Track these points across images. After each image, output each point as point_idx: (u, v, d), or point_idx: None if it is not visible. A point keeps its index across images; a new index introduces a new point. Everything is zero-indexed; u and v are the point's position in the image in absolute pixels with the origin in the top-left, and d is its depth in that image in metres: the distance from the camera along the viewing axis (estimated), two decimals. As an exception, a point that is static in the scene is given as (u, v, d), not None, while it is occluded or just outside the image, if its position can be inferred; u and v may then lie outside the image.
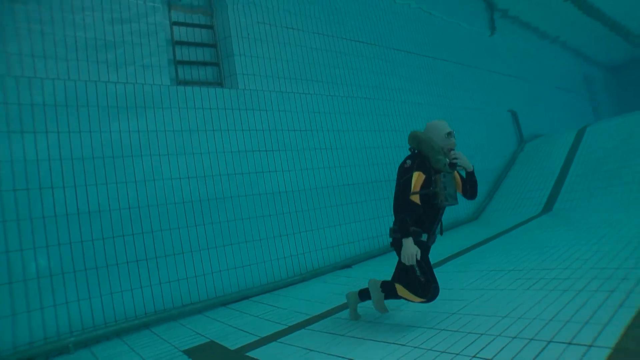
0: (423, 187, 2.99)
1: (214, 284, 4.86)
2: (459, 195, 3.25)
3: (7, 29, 4.14)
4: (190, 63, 5.56)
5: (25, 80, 4.10)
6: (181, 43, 5.52)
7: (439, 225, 3.20)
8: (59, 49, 4.41)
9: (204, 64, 5.67)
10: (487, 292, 3.57)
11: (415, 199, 2.98)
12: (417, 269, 2.96)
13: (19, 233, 3.82)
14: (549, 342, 2.37)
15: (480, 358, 2.35)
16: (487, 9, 10.88)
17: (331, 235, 6.04)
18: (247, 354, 3.23)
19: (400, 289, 3.10)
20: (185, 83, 5.42)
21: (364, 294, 3.46)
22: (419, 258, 2.85)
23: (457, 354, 2.47)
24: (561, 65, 14.91)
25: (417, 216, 3.00)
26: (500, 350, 2.38)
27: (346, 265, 5.92)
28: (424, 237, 3.06)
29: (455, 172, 3.21)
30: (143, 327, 4.32)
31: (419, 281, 2.95)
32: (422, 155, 3.04)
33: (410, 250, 2.81)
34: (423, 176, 2.99)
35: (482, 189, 8.79)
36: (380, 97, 7.48)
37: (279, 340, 3.40)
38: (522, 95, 11.75)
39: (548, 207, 7.27)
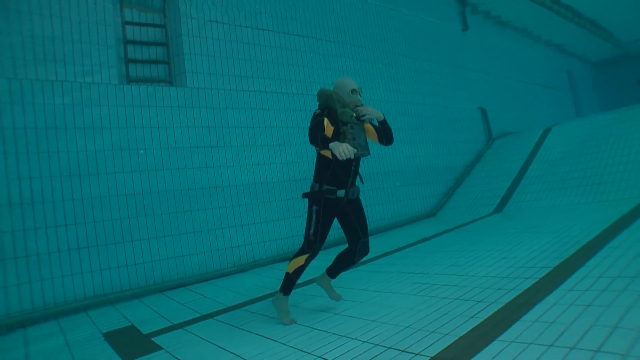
0: (333, 138, 3.10)
1: (153, 271, 5.21)
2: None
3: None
4: (141, 62, 5.82)
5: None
6: (133, 42, 5.78)
7: (357, 177, 3.39)
8: (4, 48, 4.71)
9: (155, 62, 5.92)
10: (381, 294, 3.81)
11: (327, 153, 3.18)
12: (311, 227, 3.25)
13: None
14: (389, 348, 2.62)
15: (323, 358, 2.64)
16: (459, 4, 10.85)
17: (273, 229, 6.30)
18: (152, 338, 3.55)
19: (292, 262, 3.34)
20: (137, 81, 5.69)
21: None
22: (351, 154, 2.79)
23: (308, 353, 2.76)
24: (543, 61, 14.80)
25: (330, 171, 3.22)
26: (344, 353, 2.66)
27: (286, 258, 6.21)
28: (341, 193, 3.25)
29: (369, 123, 3.38)
30: (81, 309, 4.70)
31: (308, 238, 3.26)
32: (329, 109, 3.22)
33: (341, 146, 2.79)
34: (332, 127, 3.17)
35: (443, 186, 9.02)
36: None
37: (185, 328, 3.71)
38: (496, 93, 11.76)
39: (500, 207, 7.45)
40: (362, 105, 3.30)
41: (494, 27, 12.48)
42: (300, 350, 2.80)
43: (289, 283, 3.40)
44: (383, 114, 3.34)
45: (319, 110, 3.21)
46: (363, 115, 3.24)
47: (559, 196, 6.82)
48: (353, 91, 3.27)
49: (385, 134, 3.37)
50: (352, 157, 2.81)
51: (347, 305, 3.67)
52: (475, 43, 11.49)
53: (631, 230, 4.47)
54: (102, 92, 5.12)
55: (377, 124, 3.37)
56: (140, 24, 5.81)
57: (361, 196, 7.00)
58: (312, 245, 3.27)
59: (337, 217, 3.43)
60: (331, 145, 2.86)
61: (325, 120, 3.16)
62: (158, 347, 3.30)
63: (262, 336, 3.20)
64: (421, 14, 9.78)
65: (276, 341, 3.05)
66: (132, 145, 5.26)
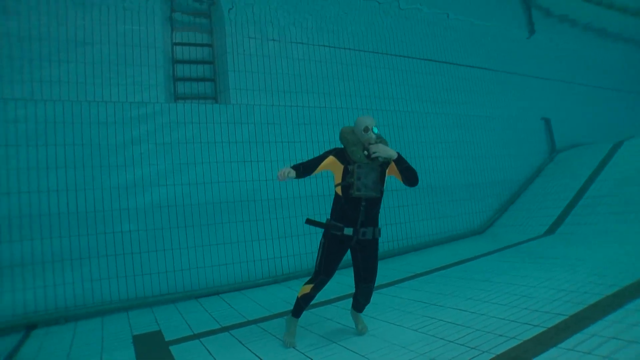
0: (343, 178, 3.26)
1: (191, 279, 5.62)
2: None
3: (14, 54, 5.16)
4: (189, 80, 6.26)
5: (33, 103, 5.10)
6: (181, 62, 6.23)
7: (374, 222, 3.35)
8: (70, 75, 5.35)
9: (202, 79, 6.33)
10: (385, 325, 3.79)
11: (338, 190, 3.31)
12: (317, 258, 3.36)
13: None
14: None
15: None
16: (524, 8, 10.08)
17: (307, 243, 6.40)
18: (170, 347, 3.89)
19: (301, 289, 3.44)
20: (184, 98, 6.14)
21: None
22: (287, 175, 3.11)
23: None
24: (620, 62, 13.05)
25: (340, 207, 3.29)
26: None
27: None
28: (348, 231, 3.24)
29: (392, 163, 3.32)
30: (123, 310, 5.20)
31: (315, 269, 3.38)
32: (344, 149, 3.34)
33: (282, 169, 3.12)
34: (341, 166, 3.27)
35: (496, 201, 8.58)
36: (383, 108, 7.59)
37: (201, 339, 4.00)
38: (564, 100, 10.82)
39: (553, 228, 6.91)
40: (374, 143, 3.25)
41: (562, 27, 11.42)
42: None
43: (298, 308, 3.53)
44: (397, 153, 3.25)
45: (331, 149, 3.38)
46: (374, 153, 3.18)
47: (618, 221, 6.18)
48: (365, 129, 3.25)
49: (405, 174, 3.29)
50: (285, 180, 3.09)
51: (349, 335, 3.71)
52: (540, 48, 10.68)
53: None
54: (149, 110, 5.62)
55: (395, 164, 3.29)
56: (188, 44, 6.25)
57: (405, 210, 7.18)
58: (317, 276, 3.36)
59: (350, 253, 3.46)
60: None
61: (331, 158, 3.30)
62: (170, 358, 3.63)
63: (257, 356, 3.38)
64: (479, 20, 9.32)
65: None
66: (175, 160, 5.70)
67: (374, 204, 3.31)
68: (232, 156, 6.06)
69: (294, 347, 3.51)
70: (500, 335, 3.21)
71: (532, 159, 9.49)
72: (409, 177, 3.28)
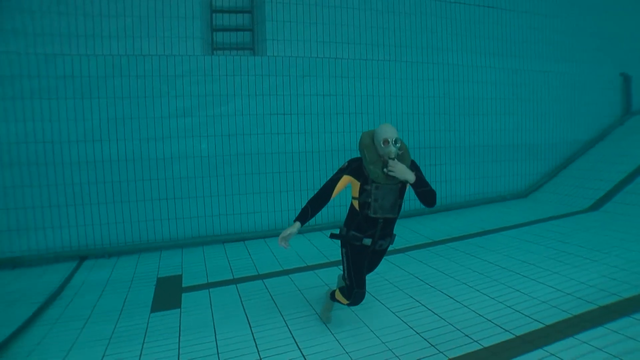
0: (360, 194, 3.05)
1: (221, 224, 6.13)
2: None
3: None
4: (227, 30, 6.29)
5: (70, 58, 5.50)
6: (220, 11, 6.22)
7: (390, 233, 3.23)
8: (103, 29, 5.63)
9: (240, 29, 6.32)
10: (371, 302, 3.94)
11: (355, 204, 3.13)
12: (345, 270, 3.22)
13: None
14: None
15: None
16: None
17: (338, 196, 6.54)
18: (183, 294, 4.43)
19: (337, 293, 3.41)
20: (222, 48, 6.22)
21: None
22: (285, 244, 2.93)
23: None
24: None
25: (357, 221, 3.13)
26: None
27: (345, 224, 6.57)
28: (367, 241, 3.14)
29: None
30: (157, 249, 5.86)
31: (345, 284, 3.25)
32: (361, 165, 3.06)
33: (283, 237, 2.91)
34: (357, 183, 3.05)
35: (546, 165, 8.00)
36: (430, 61, 7.13)
37: (211, 289, 4.50)
38: None
39: (599, 203, 6.35)
40: (394, 160, 2.92)
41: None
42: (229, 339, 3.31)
43: (333, 299, 3.60)
44: (414, 178, 2.95)
45: (347, 164, 3.11)
46: (390, 171, 2.90)
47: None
48: (385, 142, 2.92)
49: (421, 197, 3.05)
50: (284, 246, 2.89)
51: (336, 312, 3.84)
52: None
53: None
54: (185, 63, 5.82)
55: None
56: (226, -7, 6.20)
57: (442, 169, 7.03)
58: (351, 291, 3.18)
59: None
60: (294, 222, 2.94)
61: (346, 177, 3.06)
62: (178, 305, 4.13)
63: (247, 318, 3.76)
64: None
65: (251, 328, 3.58)
66: (209, 112, 5.96)
67: (392, 221, 3.17)
68: (266, 109, 6.20)
69: (329, 321, 3.64)
70: (466, 336, 3.25)
71: (599, 120, 8.55)
72: (427, 200, 3.05)
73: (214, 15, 6.24)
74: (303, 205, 3.05)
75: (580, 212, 6.47)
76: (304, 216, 2.97)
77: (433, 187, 7.03)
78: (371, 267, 3.39)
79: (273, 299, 4.16)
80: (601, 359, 2.80)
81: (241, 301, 4.15)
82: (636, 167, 6.79)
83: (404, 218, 6.24)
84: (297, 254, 5.50)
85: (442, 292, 4.06)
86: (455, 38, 7.35)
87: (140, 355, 3.25)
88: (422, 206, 6.69)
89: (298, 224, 2.94)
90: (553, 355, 2.88)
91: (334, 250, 5.31)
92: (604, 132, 8.51)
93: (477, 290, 4.04)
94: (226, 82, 5.98)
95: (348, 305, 3.32)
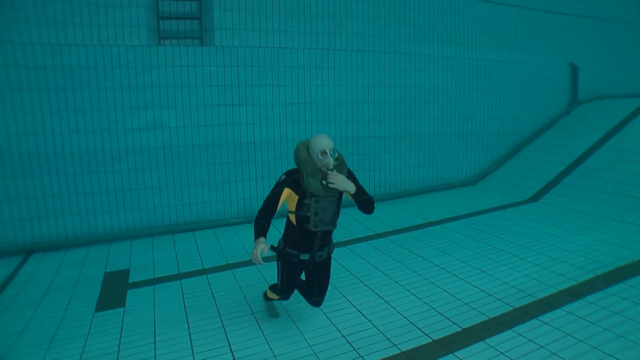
0: (297, 207, 3.02)
1: (170, 215, 6.20)
2: None
3: None
4: (175, 18, 6.12)
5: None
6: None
7: (328, 243, 3.27)
8: (39, 14, 5.38)
9: (187, 18, 6.16)
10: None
11: (292, 218, 3.10)
12: (278, 277, 3.35)
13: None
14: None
15: None
16: None
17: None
18: (128, 291, 4.50)
19: (268, 292, 3.60)
20: (169, 38, 6.07)
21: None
22: (259, 260, 2.74)
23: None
24: None
25: (295, 237, 3.13)
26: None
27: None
28: (305, 256, 3.17)
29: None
30: (106, 242, 5.88)
31: (278, 285, 3.42)
32: (299, 177, 3.01)
33: (253, 253, 2.75)
34: (295, 197, 3.00)
35: (497, 152, 8.25)
36: (383, 50, 7.14)
37: (155, 285, 4.58)
38: (604, 43, 9.53)
39: (539, 195, 6.67)
40: (332, 171, 2.92)
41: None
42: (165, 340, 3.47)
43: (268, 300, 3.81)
44: (355, 188, 3.00)
45: (284, 176, 3.03)
46: (330, 183, 2.90)
47: (600, 203, 5.89)
48: (322, 153, 2.89)
49: (362, 207, 3.10)
50: (258, 263, 2.73)
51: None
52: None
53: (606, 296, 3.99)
54: (130, 53, 5.67)
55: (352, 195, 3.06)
56: (172, -21, 5.99)
57: (391, 157, 7.16)
58: (281, 293, 3.41)
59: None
60: (255, 241, 2.80)
61: (286, 191, 2.98)
62: (122, 304, 4.20)
63: (187, 321, 3.85)
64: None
65: (189, 329, 3.68)
66: (156, 104, 5.88)
67: (330, 231, 3.20)
68: (214, 99, 6.16)
69: (277, 316, 3.80)
70: (387, 340, 3.41)
71: (547, 109, 8.80)
72: (367, 208, 3.10)
73: (160, 2, 6.04)
74: (254, 222, 2.95)
75: (521, 203, 6.78)
76: (263, 229, 2.88)
77: (382, 175, 7.24)
78: (320, 282, 3.38)
79: (214, 297, 4.27)
80: (503, 362, 3.05)
81: (183, 299, 4.25)
82: (576, 158, 7.10)
83: (350, 207, 6.40)
84: (243, 246, 5.64)
85: (373, 292, 4.24)
86: (406, 27, 7.35)
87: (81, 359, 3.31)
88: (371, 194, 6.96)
89: (262, 238, 2.83)
90: (463, 360, 3.12)
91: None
92: (552, 121, 8.77)
93: (407, 290, 4.23)
94: (173, 73, 5.89)
95: (278, 299, 3.49)
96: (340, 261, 5.02)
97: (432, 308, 3.88)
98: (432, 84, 7.54)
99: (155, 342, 3.52)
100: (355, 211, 6.74)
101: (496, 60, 8.20)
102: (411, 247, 5.36)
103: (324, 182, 2.93)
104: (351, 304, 4.04)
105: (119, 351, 3.43)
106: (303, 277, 3.61)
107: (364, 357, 3.22)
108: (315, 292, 3.38)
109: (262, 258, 2.77)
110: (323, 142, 2.92)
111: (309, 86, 6.61)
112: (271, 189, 3.06)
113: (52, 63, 5.36)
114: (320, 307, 3.95)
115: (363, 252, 5.28)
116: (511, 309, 3.75)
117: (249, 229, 6.11)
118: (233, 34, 6.16)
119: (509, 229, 5.69)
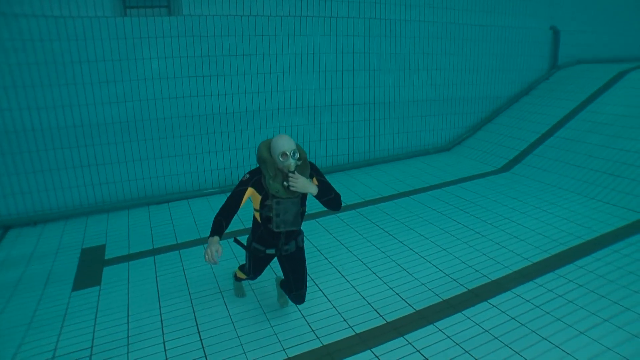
0: (260, 207, 3.03)
1: (145, 187, 6.26)
2: None
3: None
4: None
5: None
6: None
7: (295, 236, 3.29)
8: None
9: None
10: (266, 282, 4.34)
11: (257, 216, 3.13)
12: (247, 262, 3.42)
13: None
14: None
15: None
16: None
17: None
18: (104, 268, 4.64)
19: (238, 273, 3.76)
20: (137, 7, 5.86)
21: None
22: (214, 259, 2.76)
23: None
24: None
25: (260, 233, 3.19)
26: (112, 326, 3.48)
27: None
28: (271, 251, 3.24)
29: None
30: (83, 215, 5.96)
31: (246, 269, 3.52)
32: (261, 178, 2.99)
33: (207, 252, 2.76)
34: (258, 196, 3.00)
35: (472, 118, 8.23)
36: (355, 15, 6.94)
37: (130, 262, 4.72)
38: (590, 6, 9.28)
39: (510, 165, 6.76)
40: (294, 173, 2.87)
41: None
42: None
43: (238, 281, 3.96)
44: (317, 190, 2.98)
45: (248, 176, 3.01)
46: (291, 186, 2.87)
47: (567, 175, 6.00)
48: (283, 155, 2.84)
49: (327, 206, 3.12)
50: (212, 262, 2.75)
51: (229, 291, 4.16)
52: None
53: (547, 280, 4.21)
54: (94, 25, 5.48)
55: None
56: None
57: (369, 125, 7.16)
58: (247, 274, 3.56)
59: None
60: (209, 238, 2.83)
61: (249, 190, 2.97)
62: (97, 282, 4.34)
63: (159, 300, 4.00)
64: None
65: (160, 309, 3.84)
66: (125, 77, 5.77)
67: (294, 231, 3.22)
68: (184, 71, 6.05)
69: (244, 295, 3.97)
70: (344, 321, 3.56)
71: (527, 74, 8.66)
72: (333, 206, 3.13)
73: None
74: (213, 219, 2.94)
75: (492, 172, 6.88)
76: (220, 229, 2.88)
77: (360, 143, 7.20)
78: (296, 274, 3.35)
79: (185, 274, 4.41)
80: (445, 346, 3.24)
81: (156, 277, 4.39)
82: (550, 127, 7.12)
83: (325, 174, 6.55)
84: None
85: (337, 270, 4.35)
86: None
87: (58, 341, 3.45)
88: (345, 162, 7.05)
89: (217, 237, 2.83)
90: (410, 344, 3.26)
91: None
92: (530, 86, 8.68)
93: (369, 269, 4.35)
94: (141, 45, 5.72)
95: (246, 279, 3.64)
96: (308, 235, 5.10)
97: (391, 288, 4.01)
98: (410, 50, 7.39)
99: (128, 323, 3.68)
100: (330, 179, 6.92)
101: (474, 24, 7.99)
102: (378, 221, 5.45)
103: (285, 183, 2.91)
104: (314, 282, 4.16)
105: (94, 332, 3.57)
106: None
107: (321, 339, 3.37)
108: (292, 286, 3.35)
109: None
110: (284, 144, 2.85)
111: (281, 55, 6.47)
112: (235, 187, 3.05)
113: (10, 35, 5.18)
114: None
115: (331, 226, 5.37)
116: (465, 290, 3.90)
117: (222, 200, 6.22)
118: (202, 2, 5.94)
119: (476, 203, 5.82)
